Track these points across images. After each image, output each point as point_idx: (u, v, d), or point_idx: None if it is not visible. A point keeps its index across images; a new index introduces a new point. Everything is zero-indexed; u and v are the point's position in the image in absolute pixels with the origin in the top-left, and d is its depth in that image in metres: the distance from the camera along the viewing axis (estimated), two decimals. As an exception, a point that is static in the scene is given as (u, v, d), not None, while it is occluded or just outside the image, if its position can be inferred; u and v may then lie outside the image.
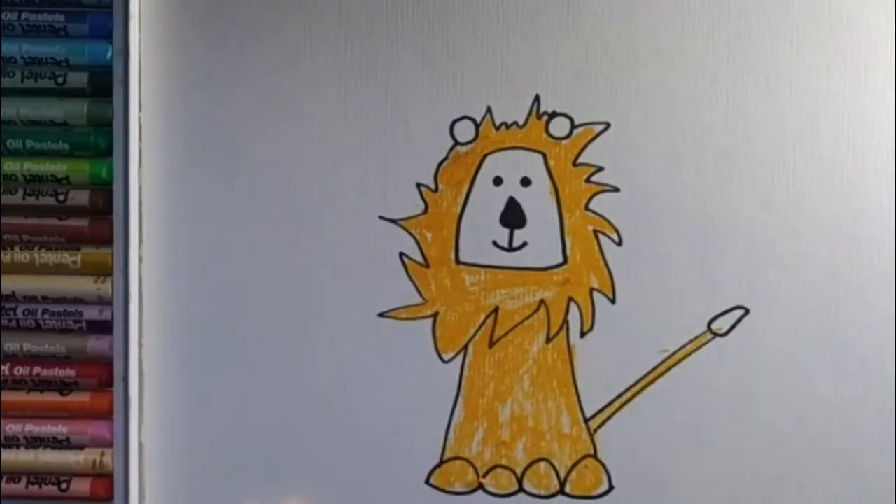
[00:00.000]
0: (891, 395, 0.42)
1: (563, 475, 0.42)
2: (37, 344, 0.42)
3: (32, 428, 0.41)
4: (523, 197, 0.42)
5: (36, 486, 0.41)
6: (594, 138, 0.42)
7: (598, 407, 0.42)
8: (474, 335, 0.43)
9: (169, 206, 0.43)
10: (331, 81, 0.42)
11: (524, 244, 0.42)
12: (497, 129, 0.42)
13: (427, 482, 0.43)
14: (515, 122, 0.42)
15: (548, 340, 0.42)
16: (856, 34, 0.42)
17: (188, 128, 0.42)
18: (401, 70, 0.42)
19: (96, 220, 0.42)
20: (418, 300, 0.43)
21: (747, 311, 0.42)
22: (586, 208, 0.42)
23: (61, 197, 0.42)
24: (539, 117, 0.42)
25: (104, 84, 0.41)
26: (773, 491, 0.42)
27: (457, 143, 0.42)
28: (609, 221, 0.42)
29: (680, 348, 0.42)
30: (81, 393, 0.42)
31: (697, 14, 0.42)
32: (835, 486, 0.42)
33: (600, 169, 0.42)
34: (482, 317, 0.43)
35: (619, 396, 0.42)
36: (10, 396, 0.42)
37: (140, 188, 0.42)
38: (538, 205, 0.42)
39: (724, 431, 0.42)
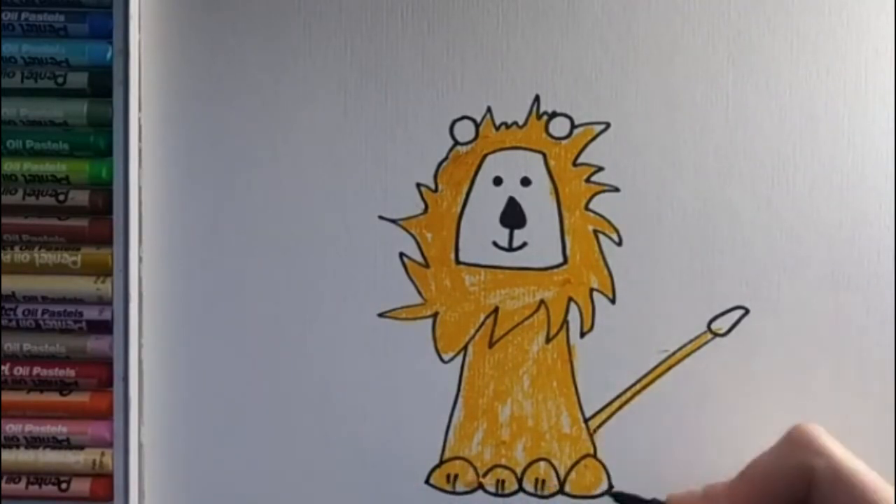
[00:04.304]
0: (891, 395, 0.42)
1: (562, 475, 0.42)
2: (37, 344, 0.41)
3: (32, 428, 0.41)
4: (523, 197, 0.42)
5: (36, 486, 0.41)
6: (594, 138, 0.42)
7: (598, 407, 0.42)
8: (474, 335, 0.43)
9: (169, 206, 0.43)
10: (331, 81, 0.42)
11: (524, 244, 0.42)
12: (497, 129, 0.42)
13: (427, 482, 0.43)
14: (515, 122, 0.42)
15: (548, 340, 0.42)
16: (856, 34, 0.42)
17: (188, 128, 0.42)
18: (401, 70, 0.42)
19: (96, 220, 0.42)
20: (418, 300, 0.43)
21: (747, 311, 0.42)
22: (586, 208, 0.42)
23: (61, 197, 0.41)
24: (539, 117, 0.42)
25: (104, 84, 0.41)
26: (772, 491, 0.42)
27: (457, 143, 0.42)
28: (609, 221, 0.42)
29: (680, 348, 0.42)
30: (81, 393, 0.42)
31: (697, 15, 0.42)
32: (834, 486, 0.42)
33: (600, 169, 0.42)
34: (482, 317, 0.43)
35: (619, 396, 0.42)
36: (9, 396, 0.42)
37: (140, 188, 0.42)
38: (538, 205, 0.42)
39: (724, 431, 0.42)
